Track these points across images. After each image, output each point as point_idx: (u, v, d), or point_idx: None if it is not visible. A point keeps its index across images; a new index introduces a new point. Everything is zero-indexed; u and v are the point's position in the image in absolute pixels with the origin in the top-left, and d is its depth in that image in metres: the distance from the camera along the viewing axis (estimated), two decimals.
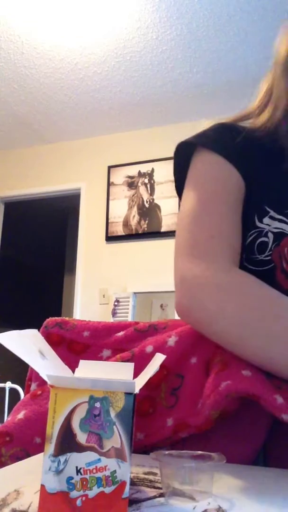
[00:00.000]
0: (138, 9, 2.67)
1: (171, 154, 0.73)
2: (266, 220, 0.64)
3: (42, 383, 0.60)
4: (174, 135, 3.91)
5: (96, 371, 0.41)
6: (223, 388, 0.46)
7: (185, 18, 2.73)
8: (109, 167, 3.90)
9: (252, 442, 0.51)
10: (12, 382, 2.46)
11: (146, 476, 0.41)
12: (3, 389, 2.45)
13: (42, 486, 0.30)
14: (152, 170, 3.72)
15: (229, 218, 0.63)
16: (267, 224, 0.64)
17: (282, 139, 0.69)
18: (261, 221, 0.65)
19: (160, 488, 0.37)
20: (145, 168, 3.75)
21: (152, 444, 0.51)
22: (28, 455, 0.51)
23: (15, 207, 4.42)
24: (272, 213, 0.64)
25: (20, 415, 0.55)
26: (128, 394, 0.31)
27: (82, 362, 0.42)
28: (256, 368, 0.49)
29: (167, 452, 0.39)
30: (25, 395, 0.61)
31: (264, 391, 0.45)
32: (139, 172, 3.77)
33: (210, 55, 3.02)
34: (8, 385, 2.44)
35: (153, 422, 0.52)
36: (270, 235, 0.64)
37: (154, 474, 0.42)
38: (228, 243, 0.61)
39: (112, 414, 0.31)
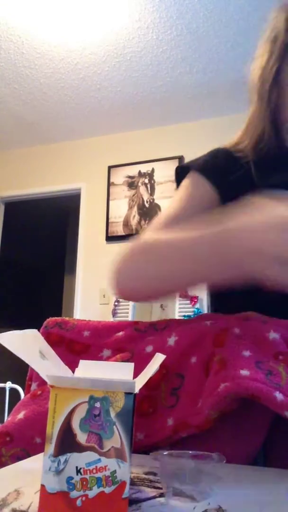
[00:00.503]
0: (138, 9, 2.67)
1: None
2: None
3: (42, 383, 0.60)
4: (174, 135, 3.92)
5: (96, 371, 0.41)
6: (222, 389, 0.46)
7: (185, 18, 2.73)
8: (109, 167, 3.90)
9: (252, 442, 0.51)
10: (12, 382, 2.46)
11: (146, 476, 0.41)
12: (3, 389, 2.45)
13: (42, 486, 0.30)
14: (152, 170, 3.72)
15: (188, 213, 0.72)
16: None
17: (257, 160, 0.77)
18: None
19: (160, 488, 0.37)
20: (145, 168, 3.75)
21: (152, 444, 0.51)
22: (28, 455, 0.51)
23: (15, 207, 4.42)
24: None
25: (20, 415, 0.55)
26: (128, 394, 0.31)
27: (82, 362, 0.42)
28: (255, 367, 0.49)
29: (167, 452, 0.39)
30: (25, 395, 0.61)
31: (263, 391, 0.45)
32: (139, 172, 3.77)
33: (210, 55, 3.02)
34: (8, 385, 2.44)
35: (153, 422, 0.52)
36: None
37: (154, 474, 0.42)
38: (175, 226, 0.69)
39: (112, 414, 0.31)
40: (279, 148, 0.78)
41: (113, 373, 0.41)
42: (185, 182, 0.78)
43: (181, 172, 0.81)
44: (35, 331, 0.44)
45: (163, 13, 2.70)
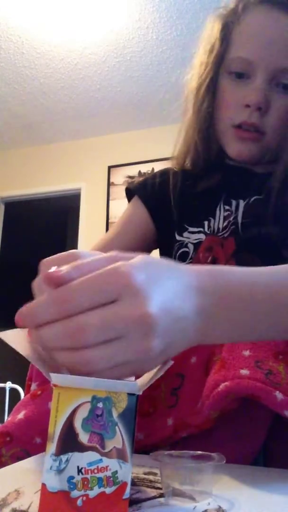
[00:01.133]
0: (138, 9, 2.67)
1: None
2: (185, 234, 0.79)
3: (42, 383, 0.60)
4: (174, 135, 3.91)
5: None
6: (222, 389, 0.46)
7: (185, 18, 2.73)
8: (109, 167, 3.90)
9: (252, 442, 0.51)
10: (12, 382, 2.46)
11: (146, 476, 0.41)
12: (3, 389, 2.46)
13: (43, 485, 0.30)
14: (152, 170, 3.72)
15: (119, 236, 0.87)
16: (187, 237, 0.79)
17: (194, 169, 0.86)
18: (181, 235, 0.80)
19: (160, 488, 0.37)
20: (145, 168, 3.75)
21: (152, 444, 0.51)
22: (28, 455, 0.51)
23: (15, 207, 4.42)
24: (190, 228, 0.79)
25: (20, 415, 0.55)
26: (130, 395, 0.31)
27: None
28: (255, 366, 0.49)
29: (167, 452, 0.39)
30: (25, 395, 0.61)
31: (263, 390, 0.45)
32: (139, 172, 3.77)
33: None
34: (8, 385, 2.44)
35: (153, 422, 0.52)
36: (190, 245, 0.78)
37: (154, 474, 0.42)
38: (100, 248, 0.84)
39: (115, 414, 0.31)
40: (208, 156, 0.84)
41: None
42: (128, 207, 0.91)
43: (128, 194, 0.94)
44: None
45: (163, 13, 2.70)
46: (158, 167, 3.74)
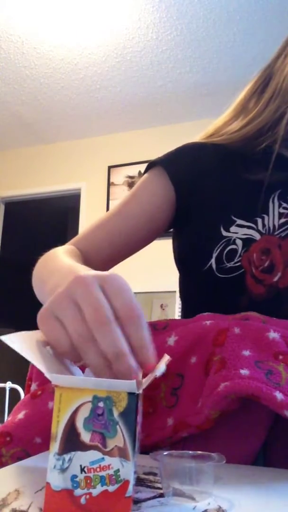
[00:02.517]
0: (138, 9, 2.67)
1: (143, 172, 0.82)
2: (233, 228, 0.69)
3: (42, 383, 0.60)
4: (174, 135, 3.92)
5: None
6: (222, 389, 0.46)
7: (185, 18, 2.73)
8: (109, 167, 3.90)
9: (252, 442, 0.51)
10: (12, 382, 2.46)
11: (146, 476, 0.41)
12: (3, 389, 2.46)
13: (48, 483, 0.31)
14: None
15: (125, 223, 0.74)
16: (235, 232, 0.69)
17: (247, 152, 0.73)
18: (227, 230, 0.69)
19: (160, 488, 0.37)
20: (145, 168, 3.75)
21: (152, 444, 0.51)
22: (28, 455, 0.51)
23: (15, 207, 4.42)
24: (239, 221, 0.69)
25: (20, 415, 0.55)
26: (131, 394, 0.31)
27: None
28: (255, 366, 0.49)
29: (167, 452, 0.39)
30: (25, 395, 0.61)
31: (263, 390, 0.45)
32: (139, 172, 3.77)
33: (210, 55, 3.02)
34: (8, 385, 2.44)
35: (153, 422, 0.52)
36: (239, 241, 0.68)
37: (154, 474, 0.42)
38: (101, 240, 0.74)
39: (115, 413, 0.31)
40: (269, 146, 0.75)
41: None
42: (143, 179, 0.78)
43: (149, 167, 0.80)
44: None
45: (163, 13, 2.70)
46: None
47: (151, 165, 0.78)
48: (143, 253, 0.72)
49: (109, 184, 3.87)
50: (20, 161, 4.26)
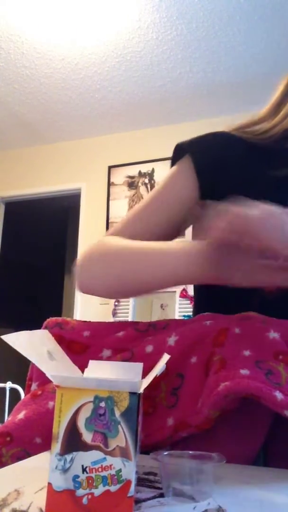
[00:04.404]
0: (138, 9, 2.67)
1: (171, 154, 0.79)
2: None
3: (42, 383, 0.60)
4: (174, 135, 3.91)
5: (105, 371, 0.41)
6: (222, 388, 0.46)
7: (185, 18, 2.73)
8: (109, 167, 3.90)
9: (252, 442, 0.51)
10: (12, 382, 2.46)
11: (146, 476, 0.41)
12: (4, 389, 2.46)
13: (49, 484, 0.30)
14: (153, 170, 3.72)
15: (161, 215, 0.73)
16: None
17: (281, 148, 0.72)
18: None
19: (160, 488, 0.37)
20: (145, 168, 3.75)
21: (153, 444, 0.51)
22: (28, 455, 0.51)
23: (15, 207, 4.42)
24: None
25: (21, 415, 0.55)
26: (132, 393, 0.31)
27: (91, 362, 0.43)
28: (255, 366, 0.49)
29: (167, 452, 0.39)
30: (25, 395, 0.61)
31: (263, 390, 0.45)
32: (140, 172, 3.77)
33: (210, 55, 3.02)
34: (8, 385, 2.44)
35: (154, 422, 0.52)
36: None
37: (154, 474, 0.42)
38: (143, 233, 0.72)
39: (117, 413, 0.31)
40: None
41: (122, 373, 0.41)
42: (173, 172, 0.77)
43: (177, 152, 0.78)
44: (45, 331, 0.44)
45: (163, 13, 2.70)
46: (158, 167, 3.69)
47: (180, 151, 0.77)
48: None
49: (109, 184, 3.87)
50: (20, 161, 4.26)
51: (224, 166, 0.73)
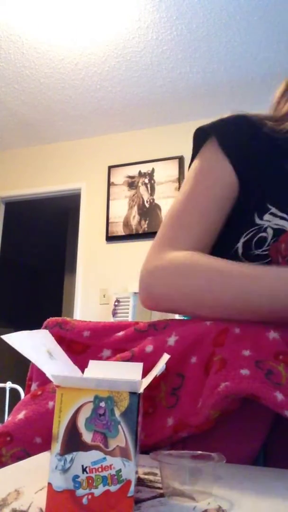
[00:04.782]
0: (138, 9, 2.67)
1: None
2: (266, 216, 0.67)
3: (42, 383, 0.60)
4: (174, 135, 3.92)
5: (105, 371, 0.41)
6: (222, 389, 0.46)
7: (185, 18, 2.73)
8: (109, 167, 3.90)
9: (252, 442, 0.51)
10: (12, 382, 2.46)
11: (146, 476, 0.41)
12: (3, 389, 2.46)
13: (49, 484, 0.31)
14: (153, 170, 3.72)
15: (207, 216, 0.68)
16: (267, 220, 0.67)
17: None
18: (261, 218, 0.67)
19: (160, 488, 0.37)
20: (145, 168, 3.75)
21: (152, 444, 0.51)
22: (28, 455, 0.51)
23: (15, 207, 4.42)
24: (273, 210, 0.67)
25: (21, 415, 0.55)
26: (132, 393, 0.31)
27: (91, 362, 0.43)
28: (255, 366, 0.49)
29: (167, 452, 0.39)
30: (25, 395, 0.61)
31: (263, 390, 0.45)
32: (140, 172, 3.77)
33: (210, 55, 3.02)
34: (8, 385, 2.44)
35: (153, 422, 0.52)
36: (270, 230, 0.66)
37: (154, 474, 0.42)
38: (199, 239, 0.67)
39: (117, 413, 0.31)
40: None
41: (122, 373, 0.41)
42: (202, 160, 0.72)
43: (200, 136, 0.74)
44: (45, 331, 0.44)
45: (163, 13, 2.70)
46: (158, 167, 3.70)
47: (202, 134, 0.74)
48: (143, 253, 0.70)
49: (109, 184, 3.87)
50: (20, 161, 4.26)
51: (249, 156, 0.70)
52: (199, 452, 0.38)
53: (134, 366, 0.43)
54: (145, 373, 0.43)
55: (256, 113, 0.76)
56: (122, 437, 0.31)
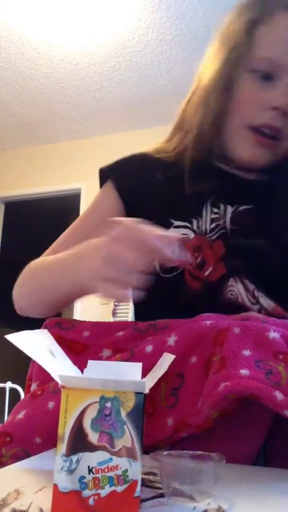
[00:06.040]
0: (138, 9, 2.67)
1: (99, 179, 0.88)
2: (171, 231, 0.74)
3: (42, 383, 0.60)
4: None
5: (104, 371, 0.41)
6: (222, 389, 0.46)
7: (185, 18, 2.73)
8: None
9: (252, 442, 0.51)
10: (12, 382, 2.46)
11: (146, 476, 0.41)
12: (3, 389, 2.46)
13: (55, 485, 0.30)
14: None
15: (77, 234, 0.81)
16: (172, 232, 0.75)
17: (185, 164, 0.79)
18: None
19: (160, 488, 0.37)
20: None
21: (152, 444, 0.51)
22: (28, 455, 0.51)
23: (15, 207, 4.42)
24: (176, 223, 0.75)
25: (20, 415, 0.55)
26: (138, 393, 0.31)
27: (90, 362, 0.43)
28: (255, 366, 0.49)
29: (167, 452, 0.39)
30: (25, 395, 0.61)
31: (263, 390, 0.45)
32: None
33: None
34: (8, 385, 2.44)
35: (153, 422, 0.52)
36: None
37: (154, 474, 0.42)
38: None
39: (123, 413, 0.31)
40: (205, 158, 0.81)
41: (121, 372, 0.41)
42: (98, 194, 0.85)
43: (101, 178, 0.87)
44: (45, 331, 0.44)
45: (163, 13, 2.70)
46: None
47: (102, 176, 0.87)
48: None
49: None
50: (20, 161, 4.26)
51: (143, 185, 0.81)
52: (199, 452, 0.38)
53: (133, 366, 0.43)
54: (144, 373, 0.43)
55: (156, 146, 0.89)
56: (128, 438, 0.31)
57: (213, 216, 0.75)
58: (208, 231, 0.74)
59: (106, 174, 0.85)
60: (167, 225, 0.74)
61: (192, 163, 0.79)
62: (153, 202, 0.79)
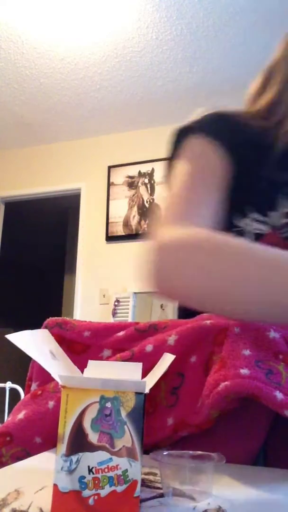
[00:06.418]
0: (138, 9, 2.67)
1: (173, 140, 0.75)
2: (245, 221, 0.68)
3: (42, 382, 0.60)
4: None
5: (104, 371, 0.41)
6: (222, 388, 0.46)
7: (185, 18, 2.73)
8: (109, 167, 3.90)
9: (252, 442, 0.51)
10: (12, 382, 2.46)
11: (146, 476, 0.41)
12: (3, 389, 2.46)
13: (55, 485, 0.30)
14: (152, 170, 3.72)
15: (214, 194, 0.65)
16: (247, 224, 0.68)
17: (274, 129, 0.70)
18: (239, 222, 0.69)
19: (160, 488, 0.37)
20: (145, 168, 3.75)
21: (152, 444, 0.51)
22: (28, 455, 0.51)
23: (15, 207, 4.42)
24: (251, 214, 0.68)
25: (20, 415, 0.55)
26: (138, 393, 0.31)
27: (90, 362, 0.43)
28: (255, 366, 0.49)
29: (167, 452, 0.39)
30: (25, 395, 0.61)
31: (263, 390, 0.45)
32: (139, 172, 3.77)
33: (210, 55, 3.02)
34: (8, 385, 2.44)
35: (153, 422, 0.52)
36: (250, 235, 0.68)
37: (154, 474, 0.42)
38: (211, 218, 0.63)
39: (123, 413, 0.31)
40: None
41: (121, 373, 0.41)
42: (191, 151, 0.69)
43: (179, 136, 0.72)
44: (45, 331, 0.44)
45: (163, 13, 2.70)
46: (158, 167, 3.70)
47: (187, 133, 0.71)
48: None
49: (109, 184, 3.87)
50: (20, 161, 4.26)
51: (240, 141, 0.69)
52: (199, 452, 0.38)
53: (133, 366, 0.43)
54: (145, 373, 0.43)
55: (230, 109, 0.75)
56: (128, 438, 0.31)
57: (286, 210, 0.69)
58: (279, 226, 0.68)
59: (191, 129, 0.71)
60: (241, 213, 0.67)
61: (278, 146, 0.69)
62: (236, 183, 0.67)
